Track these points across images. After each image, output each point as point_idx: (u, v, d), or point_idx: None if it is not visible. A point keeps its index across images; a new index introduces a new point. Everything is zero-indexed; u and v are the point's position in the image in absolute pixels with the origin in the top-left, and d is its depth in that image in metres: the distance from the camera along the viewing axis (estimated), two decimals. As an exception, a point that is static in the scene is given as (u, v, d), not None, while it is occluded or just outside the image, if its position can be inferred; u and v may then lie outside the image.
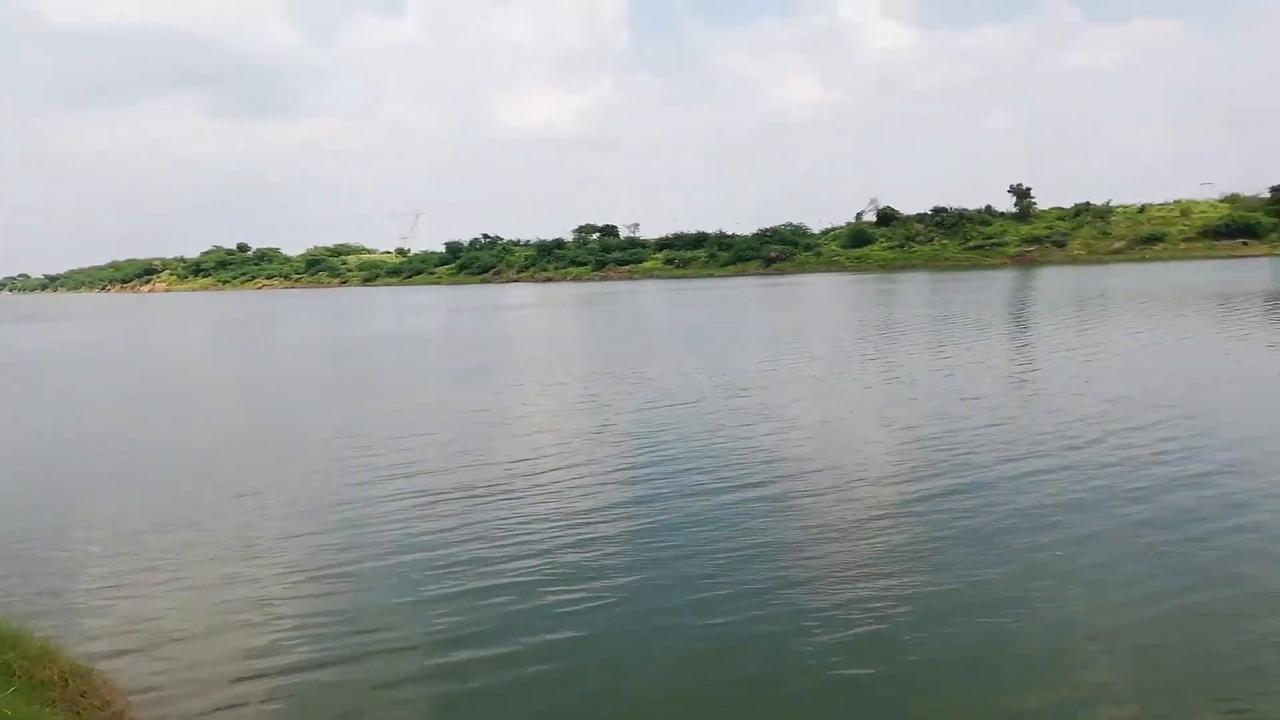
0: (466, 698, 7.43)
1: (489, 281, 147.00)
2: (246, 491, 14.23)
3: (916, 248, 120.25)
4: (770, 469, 14.07)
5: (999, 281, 73.99)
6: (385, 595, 9.60)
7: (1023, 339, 32.13)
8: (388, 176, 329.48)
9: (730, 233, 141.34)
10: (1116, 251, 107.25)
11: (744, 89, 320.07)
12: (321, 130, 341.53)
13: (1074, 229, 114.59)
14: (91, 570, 10.84)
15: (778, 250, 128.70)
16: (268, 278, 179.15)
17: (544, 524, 11.72)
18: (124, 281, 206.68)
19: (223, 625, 9.00)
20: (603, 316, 58.81)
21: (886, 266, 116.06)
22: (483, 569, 10.17)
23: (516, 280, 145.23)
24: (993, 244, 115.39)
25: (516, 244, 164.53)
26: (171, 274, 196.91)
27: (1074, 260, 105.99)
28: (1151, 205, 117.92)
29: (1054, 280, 71.54)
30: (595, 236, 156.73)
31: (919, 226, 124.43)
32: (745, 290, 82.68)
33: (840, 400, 20.69)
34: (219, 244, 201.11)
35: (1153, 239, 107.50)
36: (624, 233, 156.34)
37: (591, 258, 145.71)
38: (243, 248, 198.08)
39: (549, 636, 8.37)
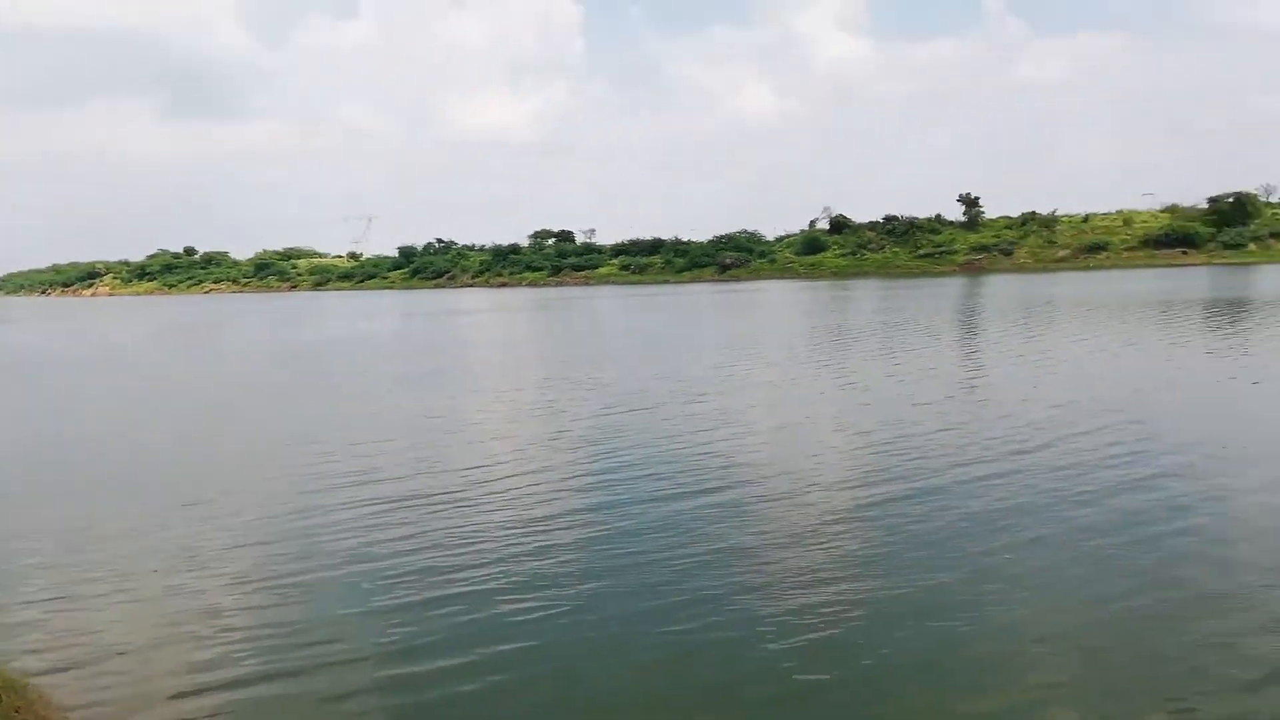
0: (419, 709, 7.32)
1: (443, 286, 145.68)
2: (193, 500, 13.89)
3: (868, 255, 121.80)
4: (726, 475, 14.11)
5: (948, 289, 75.24)
6: (336, 606, 9.42)
7: (972, 345, 32.69)
8: (340, 180, 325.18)
9: (686, 239, 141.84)
10: (1061, 260, 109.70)
11: (699, 97, 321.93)
12: (272, 133, 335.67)
13: (1021, 238, 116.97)
14: (31, 582, 10.49)
15: (733, 257, 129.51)
16: (215, 282, 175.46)
17: (498, 532, 11.62)
18: (65, 285, 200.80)
19: (168, 638, 8.76)
20: (558, 322, 58.63)
21: (839, 274, 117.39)
22: (436, 578, 10.04)
23: (471, 285, 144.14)
24: (942, 252, 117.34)
25: (471, 249, 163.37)
26: (115, 278, 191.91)
27: (1021, 268, 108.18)
28: (1095, 215, 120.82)
29: (1001, 288, 72.95)
30: (551, 242, 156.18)
31: (871, 234, 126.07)
32: (701, 296, 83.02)
33: (795, 406, 20.84)
34: (165, 247, 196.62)
35: (1096, 248, 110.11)
36: (580, 238, 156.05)
37: (547, 263, 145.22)
38: (189, 251, 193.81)
39: (503, 646, 8.29)
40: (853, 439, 16.71)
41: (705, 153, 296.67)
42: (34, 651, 8.49)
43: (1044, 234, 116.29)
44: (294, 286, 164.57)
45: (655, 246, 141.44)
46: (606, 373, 27.99)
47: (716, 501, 12.64)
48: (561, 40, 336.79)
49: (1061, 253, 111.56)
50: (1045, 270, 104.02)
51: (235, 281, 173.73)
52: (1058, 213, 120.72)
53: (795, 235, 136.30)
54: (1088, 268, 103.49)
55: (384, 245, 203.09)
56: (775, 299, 72.62)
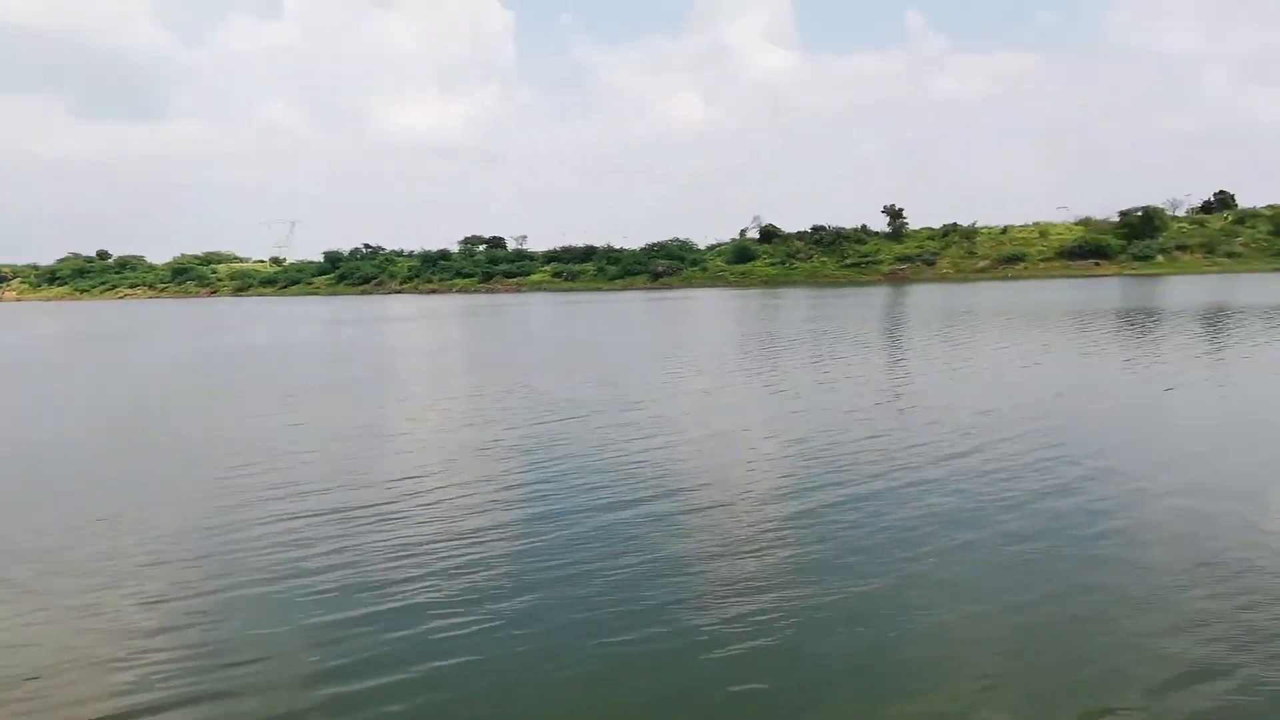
0: (348, 731, 7.12)
1: (370, 293, 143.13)
2: (104, 515, 13.32)
3: (797, 264, 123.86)
4: (659, 484, 14.11)
5: (874, 297, 76.87)
6: (260, 625, 9.11)
7: (898, 354, 33.42)
8: (263, 183, 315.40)
9: (618, 247, 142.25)
10: (981, 270, 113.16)
11: (630, 105, 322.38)
12: (192, 133, 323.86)
13: (943, 248, 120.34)
14: (-74, 607, 9.90)
15: (665, 265, 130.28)
16: (130, 287, 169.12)
17: (429, 545, 11.40)
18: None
19: (82, 661, 8.35)
20: (490, 329, 58.10)
21: (769, 282, 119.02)
22: (364, 594, 9.79)
23: (399, 292, 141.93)
24: (868, 262, 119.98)
25: (400, 254, 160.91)
26: (23, 282, 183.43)
27: (943, 278, 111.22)
28: (1013, 227, 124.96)
29: (925, 297, 74.83)
30: (482, 248, 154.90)
31: (800, 244, 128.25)
32: (634, 304, 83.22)
33: (727, 414, 20.98)
34: (76, 250, 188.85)
35: (1014, 259, 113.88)
36: (511, 245, 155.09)
37: (478, 269, 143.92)
38: (103, 255, 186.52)
39: (436, 663, 8.11)
40: (784, 447, 16.90)
41: (637, 160, 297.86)
42: (-68, 680, 8.01)
43: (965, 245, 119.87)
44: (214, 292, 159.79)
45: (588, 254, 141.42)
46: (539, 381, 27.80)
47: (650, 511, 12.62)
48: (492, 45, 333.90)
49: (981, 263, 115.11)
50: (966, 280, 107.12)
51: (151, 287, 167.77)
52: (978, 224, 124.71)
53: (726, 244, 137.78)
54: (1006, 278, 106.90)
55: (309, 250, 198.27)
56: (707, 307, 73.20)
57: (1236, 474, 13.79)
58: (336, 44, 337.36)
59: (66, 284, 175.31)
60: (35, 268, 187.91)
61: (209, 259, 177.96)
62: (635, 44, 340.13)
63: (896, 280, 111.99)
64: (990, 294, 75.37)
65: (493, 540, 11.57)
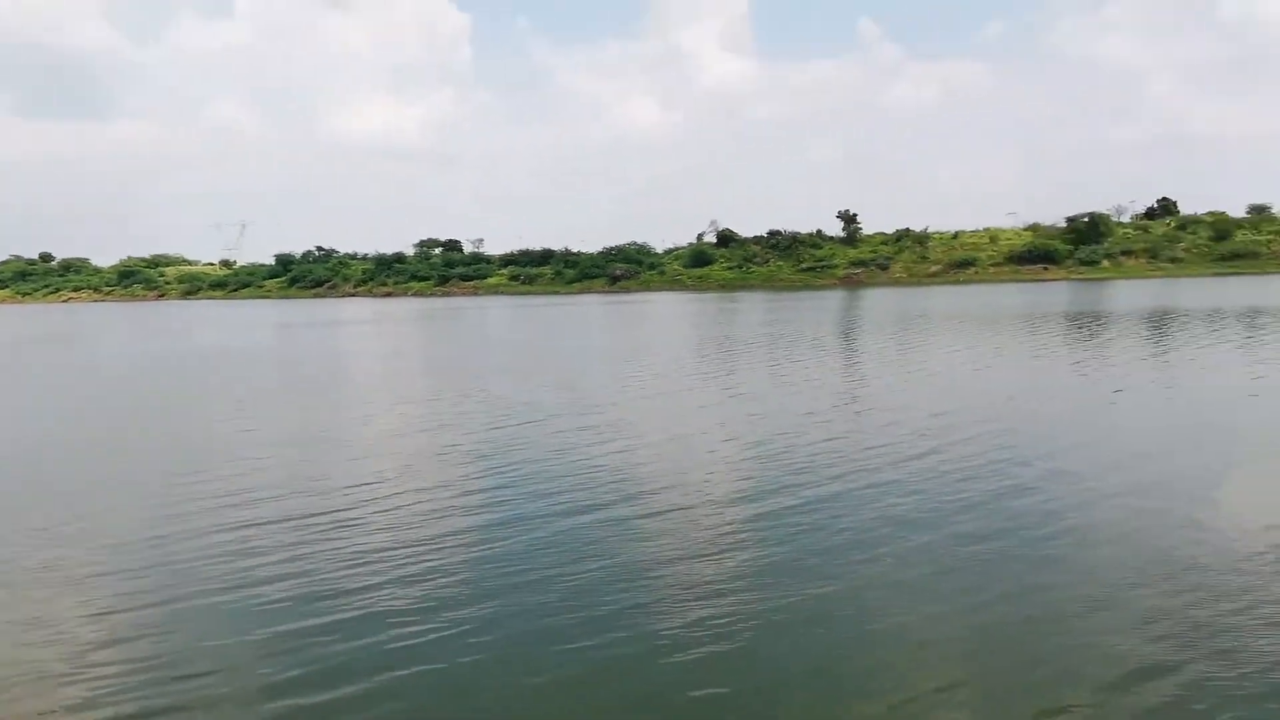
0: (303, 744, 6.97)
1: (323, 296, 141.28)
2: (47, 525, 12.94)
3: (754, 268, 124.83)
4: (618, 489, 14.07)
5: (830, 301, 77.67)
6: (212, 637, 8.90)
7: (855, 357, 33.77)
8: (212, 184, 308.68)
9: (576, 250, 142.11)
10: (934, 275, 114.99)
11: (587, 108, 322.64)
12: (140, 134, 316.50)
13: (896, 253, 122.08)
14: None
15: (623, 268, 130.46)
16: (75, 290, 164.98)
17: (386, 553, 11.24)
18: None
19: (25, 676, 8.09)
20: (446, 333, 57.58)
21: (726, 286, 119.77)
22: (320, 603, 9.62)
23: (353, 295, 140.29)
24: (823, 266, 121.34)
25: (353, 257, 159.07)
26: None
27: (896, 282, 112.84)
28: (964, 232, 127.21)
29: (879, 301, 75.77)
30: (438, 251, 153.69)
31: (756, 248, 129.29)
32: (592, 307, 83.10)
33: (686, 418, 21.00)
34: (18, 253, 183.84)
35: (965, 263, 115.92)
36: (468, 248, 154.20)
37: (434, 273, 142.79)
38: (45, 257, 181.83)
39: (395, 673, 7.98)
40: (743, 450, 16.95)
41: (594, 163, 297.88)
42: None
43: (917, 250, 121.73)
44: (162, 295, 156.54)
45: (545, 257, 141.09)
46: (496, 385, 27.60)
47: (609, 516, 12.58)
48: (448, 47, 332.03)
49: (934, 268, 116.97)
50: (919, 284, 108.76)
51: (97, 290, 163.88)
52: (930, 230, 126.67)
53: (684, 248, 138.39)
54: (958, 282, 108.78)
55: (260, 253, 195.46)
56: (665, 310, 73.34)
57: (1182, 475, 14.13)
58: (289, 44, 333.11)
59: (8, 287, 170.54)
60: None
61: (156, 262, 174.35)
62: (592, 47, 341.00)
63: (851, 284, 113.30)
64: (943, 298, 76.57)
65: (451, 547, 11.44)
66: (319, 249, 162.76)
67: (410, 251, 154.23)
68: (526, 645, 8.49)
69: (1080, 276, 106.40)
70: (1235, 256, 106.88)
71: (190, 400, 27.53)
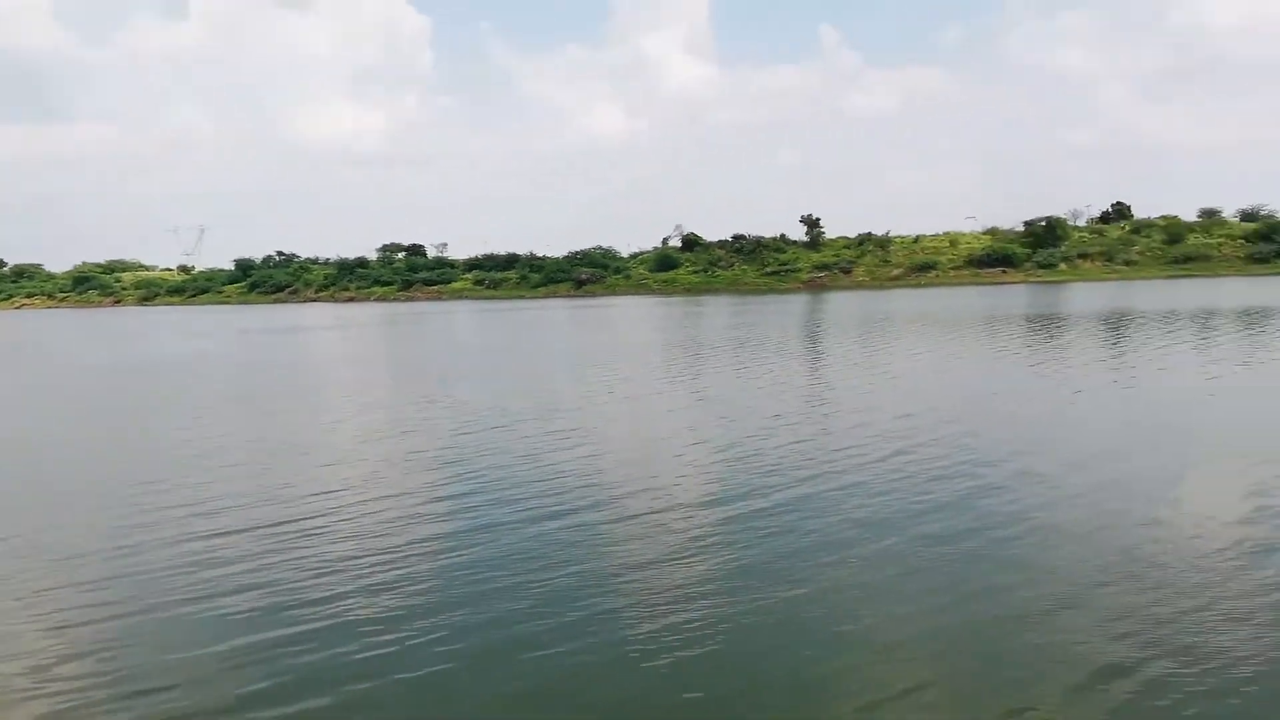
0: (270, 758, 6.85)
1: (284, 301, 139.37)
2: (4, 536, 12.61)
3: (719, 273, 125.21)
4: (586, 495, 14.02)
5: (794, 305, 78.18)
6: (174, 650, 8.72)
7: (819, 360, 34.02)
8: (169, 188, 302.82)
9: (541, 254, 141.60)
10: (896, 278, 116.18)
11: (551, 113, 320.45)
12: (94, 137, 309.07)
13: (858, 257, 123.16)
14: None
15: (588, 273, 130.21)
16: (27, 296, 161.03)
17: (351, 562, 11.09)
18: None
19: (-27, 697, 7.86)
20: (410, 338, 57.09)
21: (692, 290, 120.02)
22: (285, 614, 9.46)
23: (315, 300, 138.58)
24: (787, 270, 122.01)
25: (315, 262, 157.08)
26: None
27: (859, 285, 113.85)
28: (925, 236, 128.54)
29: (843, 304, 76.43)
30: (401, 256, 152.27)
31: (721, 252, 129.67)
32: (557, 312, 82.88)
33: (653, 422, 21.02)
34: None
35: (926, 267, 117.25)
36: (432, 252, 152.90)
37: (398, 277, 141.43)
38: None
39: (361, 684, 7.87)
40: (711, 453, 16.99)
41: (559, 168, 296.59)
42: None
43: (879, 253, 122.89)
44: (118, 301, 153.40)
45: (510, 261, 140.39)
46: (462, 390, 27.42)
47: (579, 522, 12.53)
48: (410, 51, 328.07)
49: (895, 271, 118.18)
50: (881, 287, 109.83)
51: (51, 296, 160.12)
52: (891, 233, 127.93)
53: (649, 252, 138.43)
54: (919, 285, 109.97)
55: (219, 258, 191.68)
56: (631, 315, 73.33)
57: (1142, 474, 14.40)
58: (247, 47, 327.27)
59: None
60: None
61: (113, 267, 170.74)
62: (554, 52, 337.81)
63: (815, 288, 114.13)
64: (905, 301, 77.42)
65: (419, 555, 11.33)
66: (280, 254, 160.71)
67: (373, 256, 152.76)
68: (497, 653, 8.42)
69: (1038, 279, 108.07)
70: (1188, 259, 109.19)
71: (149, 409, 27.00)
